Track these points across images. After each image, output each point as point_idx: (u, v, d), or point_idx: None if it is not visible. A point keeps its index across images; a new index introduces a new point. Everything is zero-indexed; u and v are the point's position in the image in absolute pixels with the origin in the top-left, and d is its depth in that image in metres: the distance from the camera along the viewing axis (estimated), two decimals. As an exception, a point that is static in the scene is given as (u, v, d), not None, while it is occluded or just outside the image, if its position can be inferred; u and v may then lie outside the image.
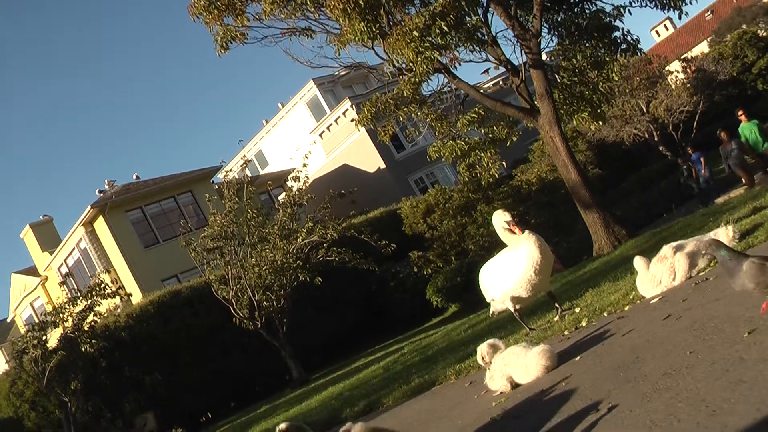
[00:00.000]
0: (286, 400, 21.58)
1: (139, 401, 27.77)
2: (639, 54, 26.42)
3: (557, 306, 10.13)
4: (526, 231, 9.63)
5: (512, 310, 10.06)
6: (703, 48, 76.30)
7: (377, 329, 32.01)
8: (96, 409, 27.72)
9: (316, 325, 30.76)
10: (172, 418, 29.08)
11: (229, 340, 28.91)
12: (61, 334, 26.10)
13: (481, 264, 11.27)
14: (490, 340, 7.92)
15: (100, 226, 43.98)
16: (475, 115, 24.40)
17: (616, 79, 24.99)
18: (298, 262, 26.49)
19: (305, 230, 26.81)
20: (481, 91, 26.48)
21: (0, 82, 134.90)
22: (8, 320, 57.87)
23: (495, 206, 24.48)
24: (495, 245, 19.54)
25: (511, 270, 9.69)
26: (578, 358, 7.01)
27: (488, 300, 10.58)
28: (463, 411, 7.34)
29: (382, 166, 53.82)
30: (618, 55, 23.80)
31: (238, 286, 26.34)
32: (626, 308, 8.53)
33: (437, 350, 15.22)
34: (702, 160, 30.27)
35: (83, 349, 25.58)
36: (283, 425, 6.45)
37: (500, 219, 9.72)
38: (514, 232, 9.60)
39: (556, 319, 9.89)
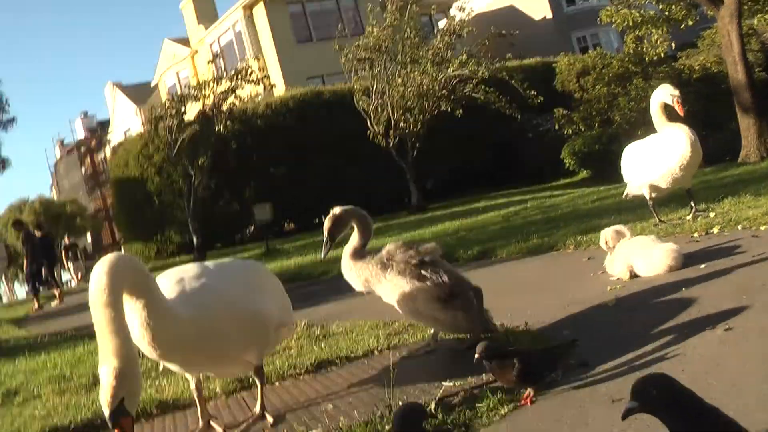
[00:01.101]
0: (400, 223, 21.89)
1: (259, 189, 28.44)
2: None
3: (692, 205, 9.90)
4: (681, 124, 9.42)
5: (647, 197, 9.94)
6: None
7: (504, 176, 32.02)
8: (217, 188, 28.55)
9: (445, 157, 30.87)
10: (288, 213, 29.86)
11: (359, 151, 29.19)
12: (200, 109, 26.66)
13: (624, 138, 11.13)
14: (617, 226, 7.79)
15: (259, 12, 44.24)
16: (658, -11, 23.73)
17: (812, -17, 23.92)
18: (443, 91, 26.51)
19: (458, 62, 26.69)
20: (670, -35, 25.53)
21: None
22: (152, 85, 59.10)
23: (652, 84, 23.80)
24: (642, 123, 19.21)
25: (657, 159, 9.49)
26: (703, 266, 6.84)
27: (625, 180, 10.46)
28: (575, 286, 7.33)
29: (549, 15, 52.71)
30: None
31: (379, 101, 26.52)
32: (762, 228, 8.08)
33: (561, 214, 15.14)
34: None
35: (217, 129, 26.14)
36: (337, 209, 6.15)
37: (665, 92, 9.49)
38: (674, 109, 9.38)
39: (688, 218, 9.68)
